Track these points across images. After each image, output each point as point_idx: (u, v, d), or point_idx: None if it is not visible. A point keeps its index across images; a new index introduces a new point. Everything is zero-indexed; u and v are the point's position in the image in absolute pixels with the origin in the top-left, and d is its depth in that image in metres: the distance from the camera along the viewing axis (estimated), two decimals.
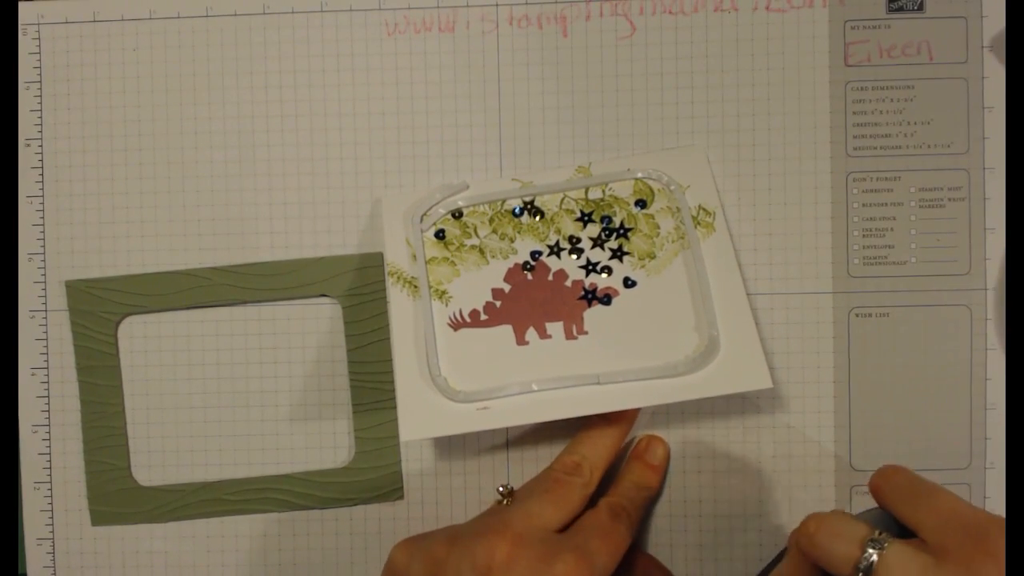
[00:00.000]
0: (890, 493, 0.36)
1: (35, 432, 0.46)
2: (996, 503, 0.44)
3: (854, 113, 0.44)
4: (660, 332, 0.41)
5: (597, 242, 0.43)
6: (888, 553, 0.33)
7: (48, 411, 0.46)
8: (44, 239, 0.46)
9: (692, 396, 0.40)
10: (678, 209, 0.43)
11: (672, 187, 0.43)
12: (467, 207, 0.43)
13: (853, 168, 0.44)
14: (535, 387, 0.40)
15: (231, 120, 0.46)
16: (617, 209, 0.43)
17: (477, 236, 0.43)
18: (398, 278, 0.42)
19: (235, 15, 0.45)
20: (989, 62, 0.43)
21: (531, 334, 0.42)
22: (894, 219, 0.44)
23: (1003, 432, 0.44)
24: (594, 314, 0.42)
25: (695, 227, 0.42)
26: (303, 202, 0.45)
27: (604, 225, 0.43)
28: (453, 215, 0.43)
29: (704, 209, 0.43)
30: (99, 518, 0.46)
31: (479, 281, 0.42)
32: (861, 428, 0.44)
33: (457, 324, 0.42)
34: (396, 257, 0.42)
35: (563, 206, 0.43)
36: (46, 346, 0.46)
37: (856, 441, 0.44)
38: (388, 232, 0.43)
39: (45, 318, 0.46)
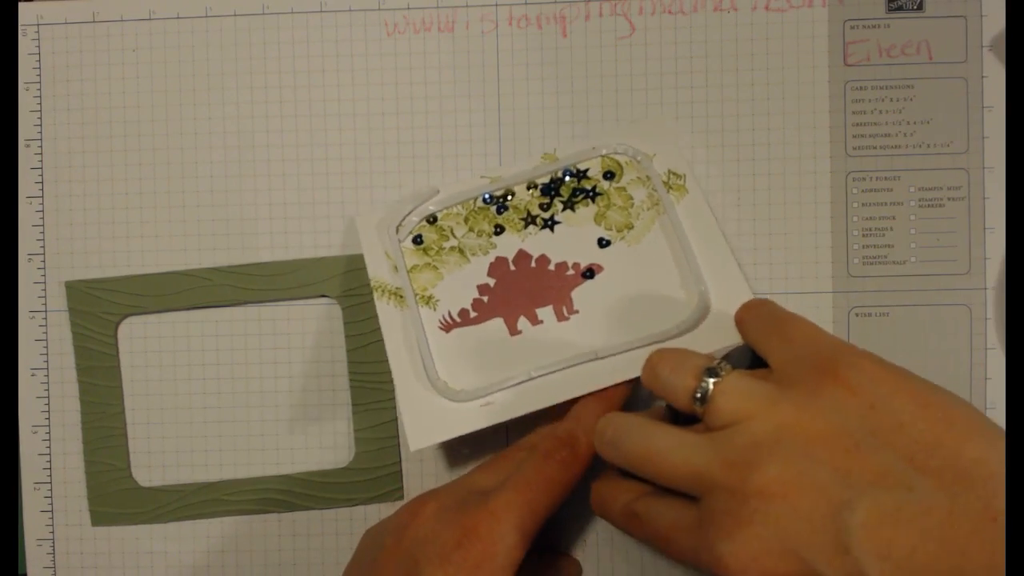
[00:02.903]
0: (751, 323, 0.34)
1: (35, 432, 0.46)
2: None
3: (853, 113, 0.44)
4: (651, 298, 0.41)
5: (567, 204, 0.43)
6: (725, 380, 0.32)
7: (48, 411, 0.46)
8: (44, 239, 0.46)
9: None
10: (648, 178, 0.43)
11: (639, 158, 0.43)
12: (440, 211, 0.43)
13: (853, 168, 0.44)
14: (535, 373, 0.40)
15: (231, 120, 0.46)
16: (587, 187, 0.43)
17: (455, 237, 0.43)
18: (383, 291, 0.42)
19: (235, 15, 0.45)
20: (989, 62, 0.43)
21: (523, 323, 0.42)
22: (894, 219, 0.44)
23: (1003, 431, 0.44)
24: (582, 292, 0.42)
25: (667, 192, 0.42)
26: (303, 202, 0.45)
27: (571, 191, 0.43)
28: (428, 220, 0.43)
29: (674, 173, 0.43)
30: (99, 518, 0.46)
31: (463, 280, 0.42)
32: None
33: (448, 325, 0.42)
34: (378, 271, 0.42)
35: (533, 195, 0.43)
36: (46, 347, 0.46)
37: None
38: (366, 247, 0.43)
39: (45, 319, 0.46)
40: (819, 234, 0.44)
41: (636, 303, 0.41)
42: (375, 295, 0.42)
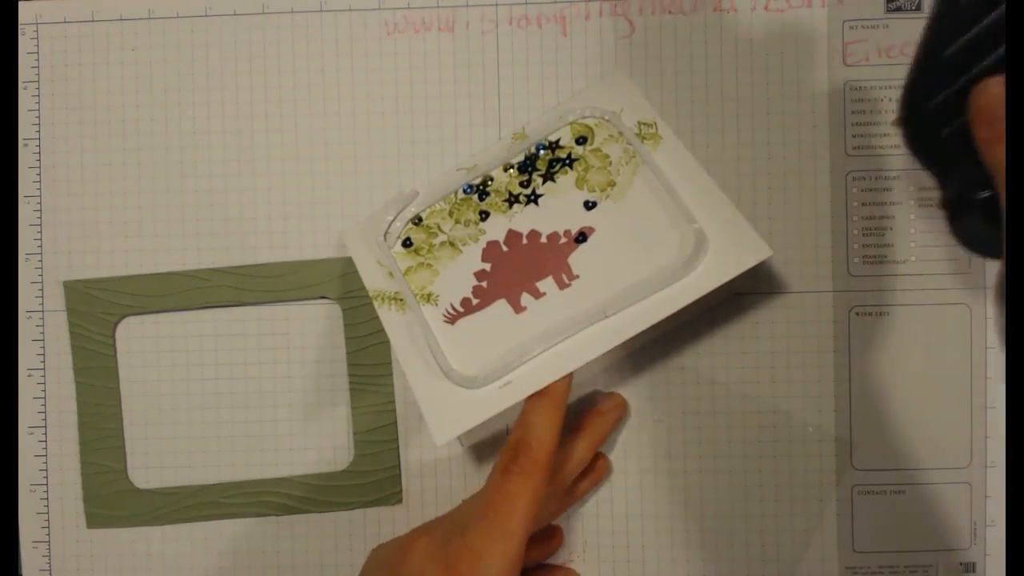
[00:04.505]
0: None
1: (31, 433, 0.46)
2: (996, 503, 0.44)
3: (853, 113, 0.44)
4: (647, 247, 0.41)
5: (546, 176, 0.43)
6: None
7: (45, 412, 0.46)
8: (42, 239, 0.46)
9: (703, 291, 0.39)
10: (620, 133, 0.43)
11: (607, 116, 0.43)
12: (423, 211, 0.43)
13: (853, 168, 0.44)
14: (548, 344, 0.40)
15: (230, 120, 0.45)
16: (562, 156, 0.43)
17: (443, 232, 0.43)
18: (383, 299, 0.42)
19: (234, 15, 0.45)
20: None
21: (526, 299, 0.41)
22: (894, 218, 0.44)
23: (1003, 431, 0.44)
24: (578, 256, 0.42)
25: (642, 142, 0.42)
26: (302, 202, 0.45)
27: (548, 162, 0.43)
28: (413, 222, 0.43)
29: (644, 123, 0.43)
30: (95, 520, 0.45)
31: (459, 271, 0.42)
32: (861, 428, 0.44)
33: (453, 317, 0.42)
34: (374, 281, 0.42)
35: (511, 176, 0.43)
36: (43, 347, 0.46)
37: (856, 441, 0.44)
38: (358, 260, 0.43)
39: (42, 318, 0.46)
40: (819, 233, 0.44)
41: (634, 255, 0.41)
42: (375, 304, 0.42)
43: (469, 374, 0.40)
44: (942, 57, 0.32)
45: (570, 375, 0.39)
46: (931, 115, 0.32)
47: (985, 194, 0.32)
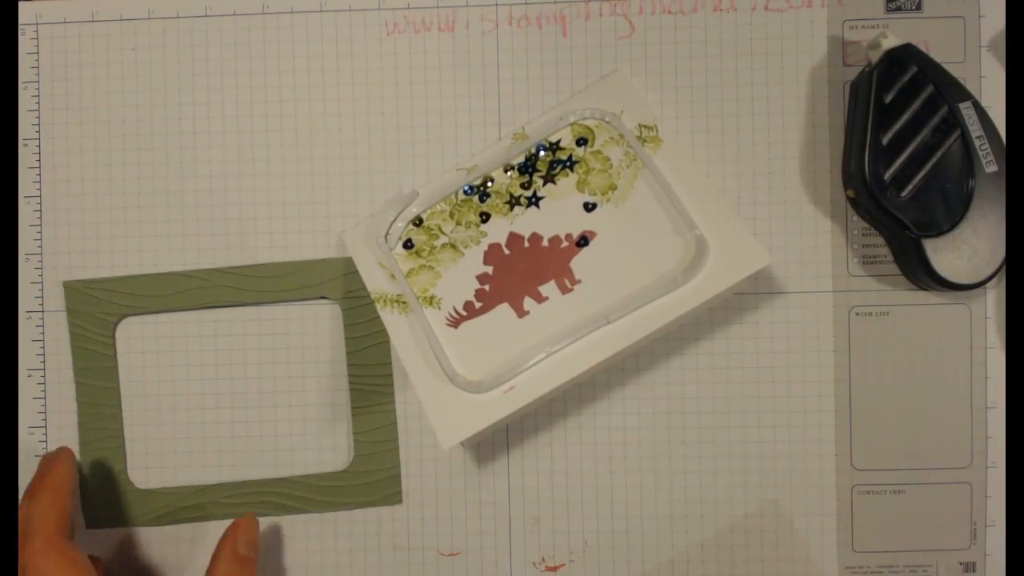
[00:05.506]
0: None
1: (31, 434, 0.46)
2: (996, 503, 0.44)
3: None
4: (649, 253, 0.41)
5: (547, 178, 0.43)
6: None
7: (45, 412, 0.46)
8: (41, 239, 0.46)
9: (703, 298, 0.39)
10: (621, 136, 0.43)
11: (607, 118, 0.43)
12: (424, 212, 0.43)
13: None
14: (551, 349, 0.40)
15: (230, 120, 0.45)
16: (563, 158, 0.43)
17: (444, 234, 0.43)
18: (384, 301, 0.42)
19: (234, 15, 0.45)
20: (987, 61, 0.44)
21: (529, 303, 0.42)
22: None
23: (1003, 431, 0.44)
24: (580, 261, 0.42)
25: (642, 145, 0.42)
26: (303, 202, 0.45)
27: (548, 164, 0.43)
28: (414, 223, 0.43)
29: (644, 126, 0.43)
30: (95, 520, 0.45)
31: (461, 274, 0.43)
32: (861, 428, 0.44)
33: (456, 321, 0.42)
34: (376, 283, 0.42)
35: (511, 177, 0.43)
36: (43, 347, 0.46)
37: (856, 441, 0.44)
38: (359, 262, 0.43)
39: (42, 319, 0.46)
40: (819, 233, 0.44)
41: (635, 260, 0.41)
42: (377, 306, 0.42)
43: (474, 379, 0.40)
44: (882, 144, 0.41)
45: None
46: (886, 186, 0.41)
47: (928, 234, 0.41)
